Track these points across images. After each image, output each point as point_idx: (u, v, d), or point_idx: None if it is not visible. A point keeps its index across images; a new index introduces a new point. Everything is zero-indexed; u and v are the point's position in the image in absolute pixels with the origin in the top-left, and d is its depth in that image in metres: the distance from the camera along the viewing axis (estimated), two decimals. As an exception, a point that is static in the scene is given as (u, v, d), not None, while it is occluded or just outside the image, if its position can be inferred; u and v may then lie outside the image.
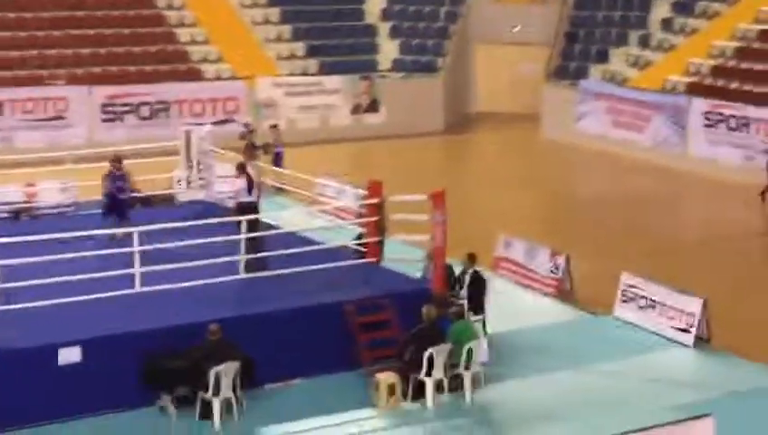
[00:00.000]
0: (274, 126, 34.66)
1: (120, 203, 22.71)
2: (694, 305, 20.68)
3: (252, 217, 20.25)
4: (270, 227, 21.82)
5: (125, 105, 38.21)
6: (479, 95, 48.40)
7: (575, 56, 44.11)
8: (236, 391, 17.16)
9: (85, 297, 17.72)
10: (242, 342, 17.44)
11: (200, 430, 16.93)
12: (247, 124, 34.20)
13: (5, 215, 26.46)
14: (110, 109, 38.02)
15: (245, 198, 20.87)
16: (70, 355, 16.91)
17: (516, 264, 24.52)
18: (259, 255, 19.98)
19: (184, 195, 25.78)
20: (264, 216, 22.38)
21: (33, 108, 36.97)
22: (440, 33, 45.83)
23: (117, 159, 23.08)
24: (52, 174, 28.88)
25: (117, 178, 22.83)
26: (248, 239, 20.00)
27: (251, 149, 31.62)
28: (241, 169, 21.16)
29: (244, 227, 19.82)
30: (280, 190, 28.18)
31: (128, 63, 40.53)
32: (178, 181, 26.52)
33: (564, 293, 23.43)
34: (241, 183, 20.99)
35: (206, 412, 17.04)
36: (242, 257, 19.55)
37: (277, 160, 32.75)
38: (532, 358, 19.83)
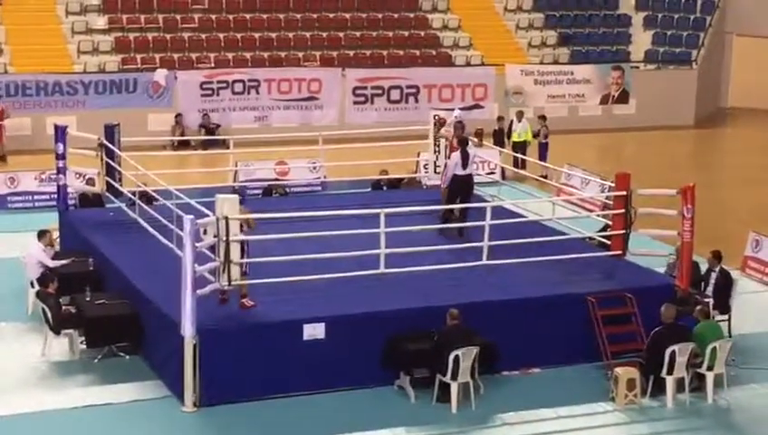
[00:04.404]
0: (542, 117, 34.66)
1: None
2: None
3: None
4: (514, 215, 21.88)
5: (376, 88, 38.72)
6: (734, 90, 47.08)
7: (838, 52, 42.53)
8: (475, 377, 17.25)
9: (331, 275, 18.08)
10: (482, 327, 17.49)
11: (437, 412, 17.06)
12: (501, 118, 34.90)
13: (257, 191, 27.30)
14: (361, 91, 38.58)
15: (459, 172, 21.12)
16: (314, 331, 17.32)
17: (766, 264, 23.80)
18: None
19: (430, 179, 26.01)
20: (509, 204, 22.48)
21: (288, 88, 37.90)
22: (696, 25, 44.78)
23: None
24: (303, 153, 29.63)
25: None
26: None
27: (499, 136, 32.16)
28: (463, 143, 21.45)
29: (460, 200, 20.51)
30: (525, 179, 28.20)
31: (380, 47, 41.18)
32: (425, 165, 26.78)
33: (816, 298, 22.66)
34: (456, 156, 21.25)
35: (444, 395, 17.17)
36: (485, 244, 19.55)
37: (542, 152, 32.86)
38: (780, 362, 19.23)
